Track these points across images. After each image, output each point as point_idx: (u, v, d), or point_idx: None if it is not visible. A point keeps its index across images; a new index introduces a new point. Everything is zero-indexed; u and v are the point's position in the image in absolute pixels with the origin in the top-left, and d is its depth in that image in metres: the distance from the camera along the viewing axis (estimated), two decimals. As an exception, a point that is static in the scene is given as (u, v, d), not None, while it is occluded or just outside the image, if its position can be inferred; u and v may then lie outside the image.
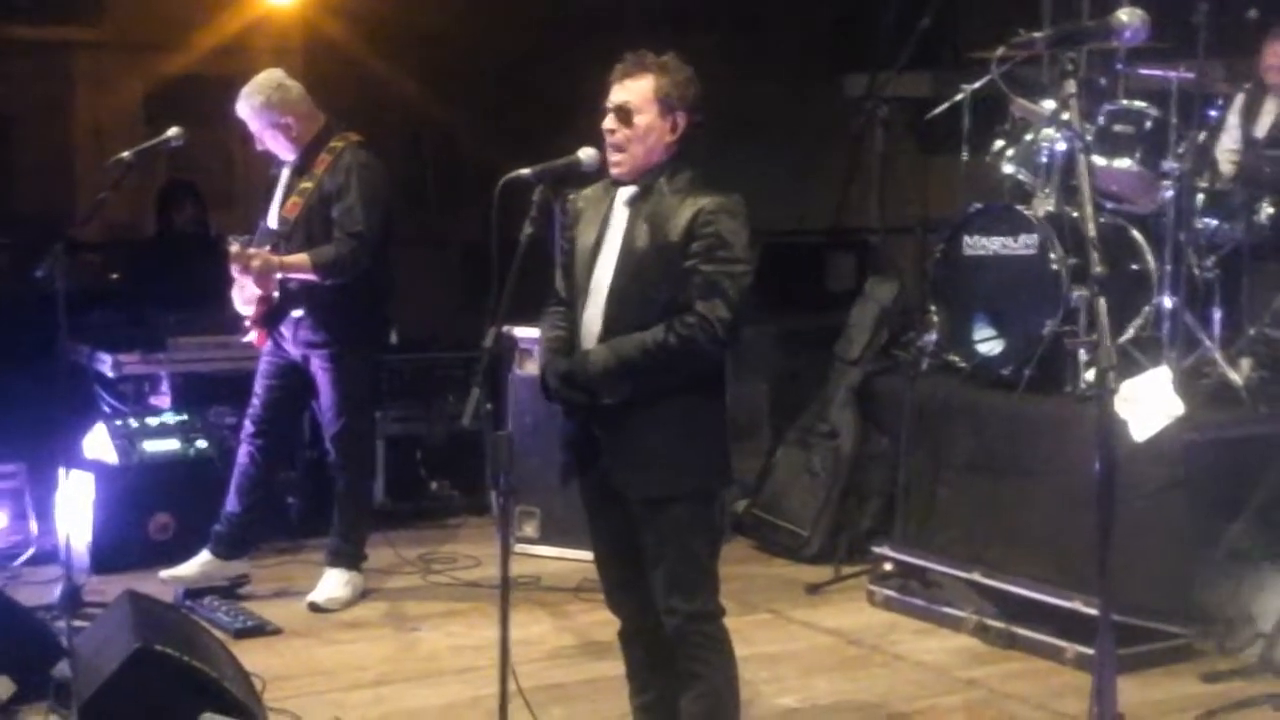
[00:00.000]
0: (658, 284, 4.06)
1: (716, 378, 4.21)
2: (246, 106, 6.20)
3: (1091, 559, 3.61)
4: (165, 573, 6.31)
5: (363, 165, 6.23)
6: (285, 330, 6.28)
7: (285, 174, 6.35)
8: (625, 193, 4.18)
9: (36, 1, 10.53)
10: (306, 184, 6.23)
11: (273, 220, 6.32)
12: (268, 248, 6.16)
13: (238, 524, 6.38)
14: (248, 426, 6.42)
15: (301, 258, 6.09)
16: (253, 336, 6.29)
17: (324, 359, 6.26)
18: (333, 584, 6.33)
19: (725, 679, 4.23)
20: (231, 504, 6.40)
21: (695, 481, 4.16)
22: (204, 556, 6.34)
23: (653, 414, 4.11)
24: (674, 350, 4.01)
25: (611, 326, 4.12)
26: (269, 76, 6.27)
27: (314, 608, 6.23)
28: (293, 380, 6.36)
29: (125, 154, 5.82)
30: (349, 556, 6.41)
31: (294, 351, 6.30)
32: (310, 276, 6.10)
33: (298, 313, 6.22)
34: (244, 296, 6.26)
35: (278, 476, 6.81)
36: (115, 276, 9.75)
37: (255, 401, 6.41)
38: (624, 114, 4.12)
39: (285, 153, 6.28)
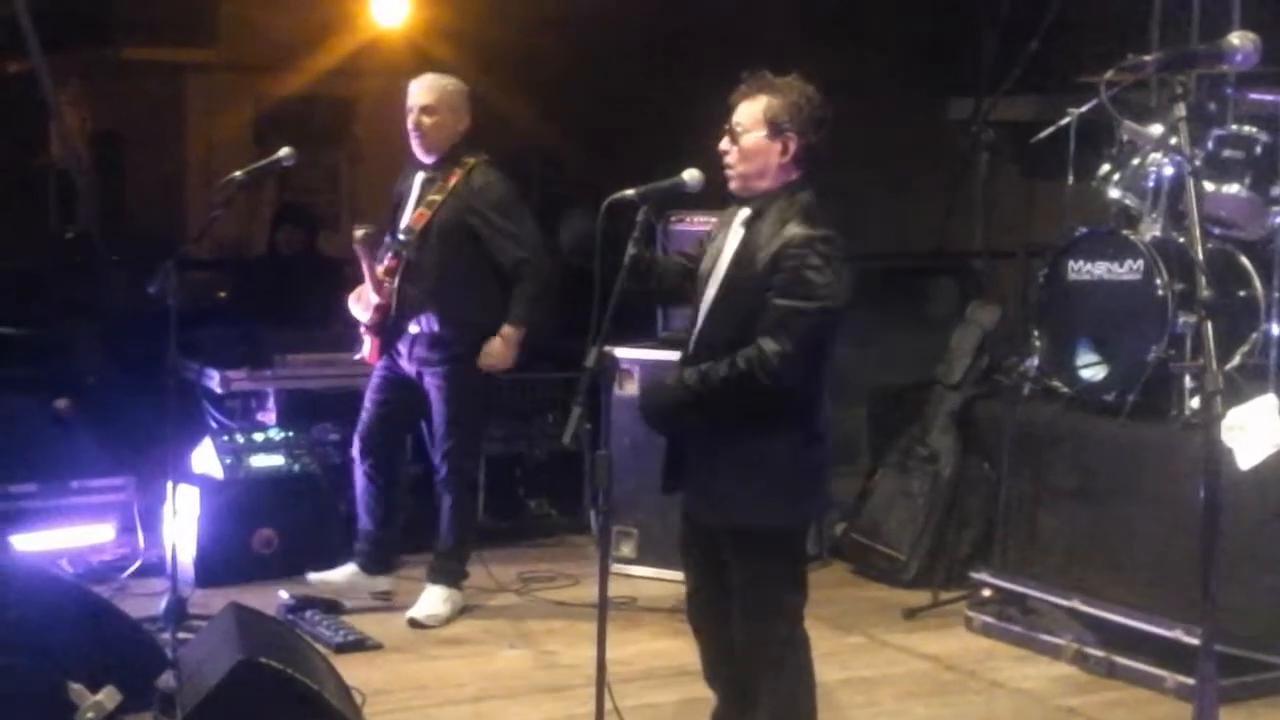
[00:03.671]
0: (743, 311, 4.08)
1: (801, 412, 4.14)
2: (436, 85, 6.26)
3: (1194, 587, 3.58)
4: (314, 575, 6.39)
5: (505, 190, 6.30)
6: (401, 347, 6.32)
7: (416, 185, 6.37)
8: (744, 213, 4.21)
9: (151, 23, 10.75)
10: (435, 196, 6.26)
11: (401, 232, 6.35)
12: (389, 255, 6.23)
13: (376, 540, 6.44)
14: (357, 444, 6.44)
15: (514, 331, 6.19)
16: (366, 350, 6.34)
17: (438, 376, 6.28)
18: (433, 601, 6.37)
19: (787, 704, 4.23)
20: (364, 523, 6.46)
21: (764, 519, 4.16)
22: (350, 568, 6.42)
23: (729, 445, 4.14)
24: (731, 381, 4.01)
25: (700, 347, 4.16)
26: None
27: (414, 624, 6.27)
28: (404, 396, 6.39)
29: (237, 174, 5.93)
30: (450, 574, 6.44)
31: (409, 368, 6.34)
32: (524, 325, 6.20)
33: (414, 329, 6.28)
34: (363, 302, 6.31)
35: (397, 484, 6.77)
36: (223, 294, 9.91)
37: (365, 417, 6.43)
38: (734, 133, 4.17)
39: (430, 150, 6.27)
